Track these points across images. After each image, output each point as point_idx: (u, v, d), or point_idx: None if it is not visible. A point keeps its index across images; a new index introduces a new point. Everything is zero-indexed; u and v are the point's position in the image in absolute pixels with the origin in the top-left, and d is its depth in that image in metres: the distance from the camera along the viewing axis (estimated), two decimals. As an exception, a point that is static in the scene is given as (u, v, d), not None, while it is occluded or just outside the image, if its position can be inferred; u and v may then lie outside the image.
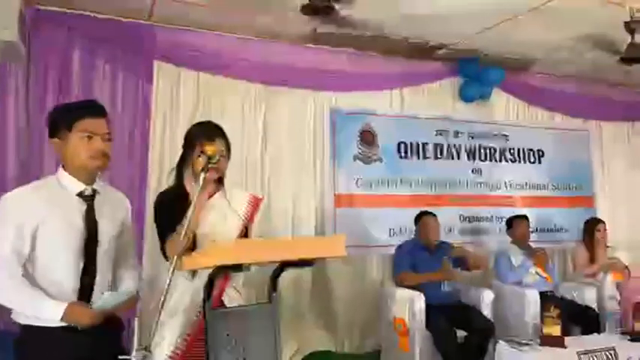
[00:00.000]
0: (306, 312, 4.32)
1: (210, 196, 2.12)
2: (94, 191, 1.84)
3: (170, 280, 1.78)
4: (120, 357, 1.91)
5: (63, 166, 1.83)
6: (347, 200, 4.51)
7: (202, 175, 1.91)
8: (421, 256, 3.91)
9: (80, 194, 1.81)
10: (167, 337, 1.97)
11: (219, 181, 2.16)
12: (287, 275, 4.02)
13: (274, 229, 4.22)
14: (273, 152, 4.31)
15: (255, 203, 2.22)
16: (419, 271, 3.83)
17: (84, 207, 1.80)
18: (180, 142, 4.06)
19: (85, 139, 1.77)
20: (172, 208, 2.02)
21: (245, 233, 2.17)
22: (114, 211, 1.91)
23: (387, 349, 3.91)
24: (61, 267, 1.74)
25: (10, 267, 1.68)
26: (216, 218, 2.09)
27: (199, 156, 2.06)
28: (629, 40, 3.71)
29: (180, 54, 4.00)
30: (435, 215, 4.09)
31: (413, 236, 4.20)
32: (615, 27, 3.71)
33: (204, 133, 2.11)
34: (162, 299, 1.77)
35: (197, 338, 1.98)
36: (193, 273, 1.96)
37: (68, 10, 3.66)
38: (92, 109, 1.83)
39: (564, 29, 4.09)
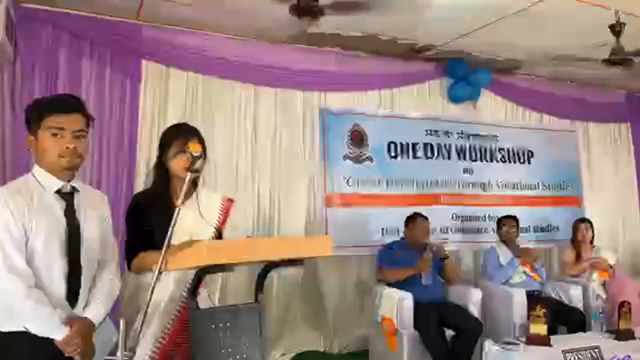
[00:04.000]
0: (295, 312, 4.32)
1: (184, 200, 2.08)
2: (73, 189, 1.79)
3: (154, 286, 1.76)
4: (105, 357, 1.90)
5: (37, 163, 1.77)
6: (338, 200, 4.52)
7: (188, 175, 1.89)
8: (406, 255, 3.89)
9: (58, 192, 1.76)
10: (142, 340, 1.95)
11: (193, 184, 2.13)
12: (277, 275, 4.08)
13: (264, 229, 4.23)
14: (263, 152, 4.31)
15: (228, 207, 2.21)
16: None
17: (63, 205, 1.76)
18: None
19: (53, 136, 1.71)
20: (149, 210, 2.02)
21: (219, 236, 2.16)
22: (95, 210, 1.87)
23: (376, 348, 3.92)
24: (51, 272, 1.70)
25: (26, 277, 1.64)
26: (188, 223, 2.05)
27: (182, 152, 2.04)
28: (614, 42, 3.75)
29: (169, 53, 3.99)
30: (426, 218, 4.07)
31: (401, 237, 4.21)
32: (600, 29, 3.76)
33: (181, 132, 2.11)
34: (147, 302, 1.76)
35: (174, 338, 1.98)
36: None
37: (55, 9, 3.63)
38: (62, 104, 1.76)
39: (550, 31, 4.13)
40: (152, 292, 1.77)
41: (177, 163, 2.07)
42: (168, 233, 1.76)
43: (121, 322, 1.69)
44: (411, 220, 4.07)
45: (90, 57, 3.76)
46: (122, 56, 3.84)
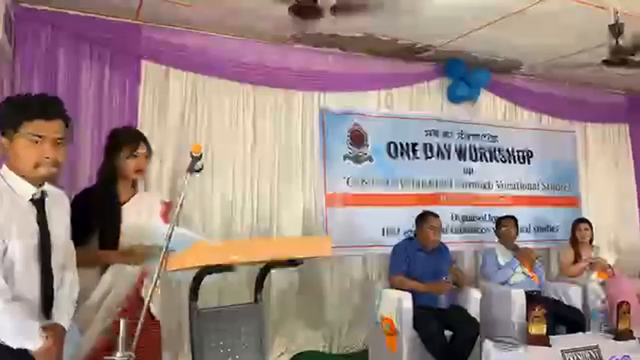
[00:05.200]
0: (295, 312, 4.32)
1: (126, 201, 2.25)
2: (43, 193, 1.69)
3: (155, 283, 1.77)
4: (105, 357, 1.90)
5: (8, 165, 1.65)
6: (338, 200, 4.52)
7: (188, 175, 1.91)
8: (418, 256, 3.82)
9: (31, 199, 1.65)
10: (89, 332, 2.04)
11: (133, 185, 2.30)
12: (276, 275, 4.09)
13: (264, 229, 4.23)
14: (263, 152, 4.31)
15: (167, 209, 2.37)
16: (414, 272, 3.76)
17: (35, 211, 1.66)
18: (169, 142, 4.11)
19: (32, 142, 1.59)
20: (94, 207, 2.13)
21: None
22: (61, 212, 1.78)
23: (375, 348, 3.92)
24: (26, 281, 1.62)
25: (4, 292, 1.56)
26: (133, 222, 2.19)
27: (133, 156, 2.23)
28: (613, 43, 3.75)
29: (168, 54, 3.98)
30: (437, 216, 3.96)
31: (410, 235, 4.13)
32: (599, 30, 3.76)
33: (133, 137, 2.30)
34: (147, 300, 1.77)
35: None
36: (104, 269, 2.11)
37: (54, 9, 3.62)
38: (45, 108, 1.63)
39: (549, 32, 4.13)
40: (152, 290, 1.78)
41: (128, 166, 2.23)
42: (172, 230, 1.76)
43: (121, 322, 1.69)
44: (422, 218, 3.95)
45: (89, 57, 3.75)
46: (121, 56, 3.83)
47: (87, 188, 2.37)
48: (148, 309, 2.11)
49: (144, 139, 2.34)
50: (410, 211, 4.49)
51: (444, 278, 3.72)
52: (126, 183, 2.29)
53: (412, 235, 4.10)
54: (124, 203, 2.26)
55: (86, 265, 1.99)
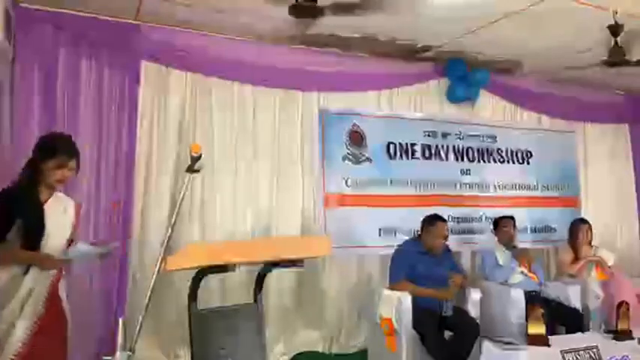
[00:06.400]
0: (295, 312, 4.33)
1: (46, 201, 2.30)
2: None
3: (153, 284, 1.77)
4: (105, 357, 1.91)
5: None
6: (337, 200, 4.51)
7: (187, 176, 1.92)
8: (423, 260, 3.77)
9: None
10: (15, 336, 2.07)
11: (52, 187, 2.34)
12: (275, 275, 4.10)
13: (264, 229, 4.23)
14: (262, 152, 4.31)
15: (79, 210, 2.48)
16: (419, 276, 3.71)
17: None
18: (169, 142, 4.10)
19: None
20: (17, 208, 2.16)
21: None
22: None
23: (374, 349, 3.92)
24: None
25: None
26: (52, 222, 2.25)
27: (61, 167, 2.26)
28: (612, 43, 3.76)
29: (168, 54, 3.99)
30: (445, 221, 3.92)
31: (414, 237, 4.09)
32: (599, 30, 3.77)
33: (68, 149, 2.33)
34: (146, 302, 1.77)
35: (41, 332, 2.10)
36: (26, 270, 2.15)
37: (54, 9, 3.62)
38: None
39: (548, 32, 4.14)
40: (151, 291, 1.78)
41: (53, 174, 2.27)
42: (168, 234, 1.76)
43: (120, 321, 1.70)
44: (430, 223, 3.88)
45: (89, 57, 3.75)
46: (121, 56, 3.83)
47: (6, 188, 2.35)
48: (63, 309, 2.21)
49: (77, 155, 2.36)
50: (409, 211, 4.50)
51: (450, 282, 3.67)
52: (48, 188, 2.33)
53: (416, 236, 4.09)
54: (44, 203, 2.31)
55: (5, 263, 2.05)
